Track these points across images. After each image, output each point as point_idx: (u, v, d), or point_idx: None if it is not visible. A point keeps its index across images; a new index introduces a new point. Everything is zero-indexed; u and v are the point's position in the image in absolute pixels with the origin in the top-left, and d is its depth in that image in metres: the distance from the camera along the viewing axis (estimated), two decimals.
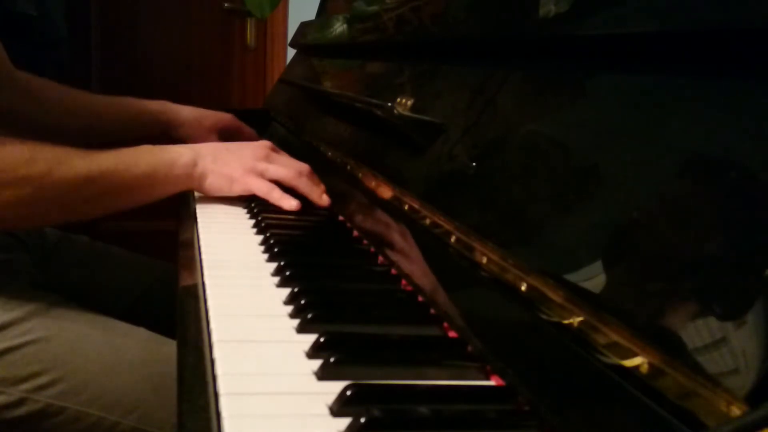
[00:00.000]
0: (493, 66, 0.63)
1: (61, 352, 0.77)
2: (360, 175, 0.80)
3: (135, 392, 0.77)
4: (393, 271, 0.66)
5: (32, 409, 0.74)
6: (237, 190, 0.88)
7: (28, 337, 0.76)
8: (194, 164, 0.85)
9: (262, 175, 0.87)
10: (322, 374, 0.44)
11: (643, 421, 0.33)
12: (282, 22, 2.59)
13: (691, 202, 0.36)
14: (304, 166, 0.91)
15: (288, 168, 0.89)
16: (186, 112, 1.25)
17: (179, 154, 0.85)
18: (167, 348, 0.81)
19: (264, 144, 0.92)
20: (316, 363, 0.45)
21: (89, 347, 0.79)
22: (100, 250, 1.12)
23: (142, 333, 0.84)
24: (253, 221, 0.83)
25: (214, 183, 0.87)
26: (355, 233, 0.79)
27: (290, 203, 0.85)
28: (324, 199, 0.89)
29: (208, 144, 0.93)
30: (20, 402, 0.74)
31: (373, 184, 0.75)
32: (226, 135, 1.27)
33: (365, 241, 0.75)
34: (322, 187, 0.91)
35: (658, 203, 0.38)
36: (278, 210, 0.86)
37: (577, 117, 0.49)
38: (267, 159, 0.89)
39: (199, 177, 0.86)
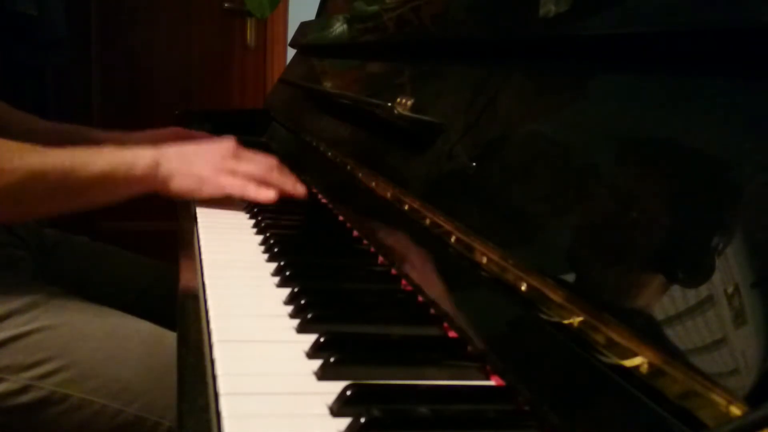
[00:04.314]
0: (493, 66, 0.63)
1: (66, 340, 0.77)
2: (360, 175, 0.80)
3: (138, 381, 0.77)
4: (393, 271, 0.66)
5: (36, 397, 0.74)
6: (208, 191, 0.84)
7: (33, 325, 0.77)
8: (156, 165, 0.82)
9: (233, 173, 0.85)
10: (322, 374, 0.44)
11: (643, 421, 0.33)
12: (282, 22, 2.59)
13: (691, 203, 0.36)
14: (272, 160, 0.90)
15: (258, 164, 0.87)
16: (136, 137, 1.19)
17: (140, 156, 0.83)
18: (170, 340, 0.81)
19: (229, 142, 0.89)
20: (316, 363, 0.45)
21: (94, 336, 0.79)
22: (100, 250, 1.12)
23: (145, 325, 0.85)
24: (253, 221, 0.83)
25: (183, 184, 0.83)
26: (355, 233, 0.79)
27: (267, 195, 0.83)
28: (298, 189, 0.87)
29: (173, 146, 0.89)
30: (25, 389, 0.74)
31: (373, 184, 0.75)
32: None
33: (365, 241, 0.75)
34: (293, 177, 0.89)
35: (658, 203, 0.38)
36: (278, 210, 0.86)
37: (577, 117, 0.49)
38: (235, 156, 0.87)
39: (163, 179, 0.83)
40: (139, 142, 1.16)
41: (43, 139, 1.07)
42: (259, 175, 0.85)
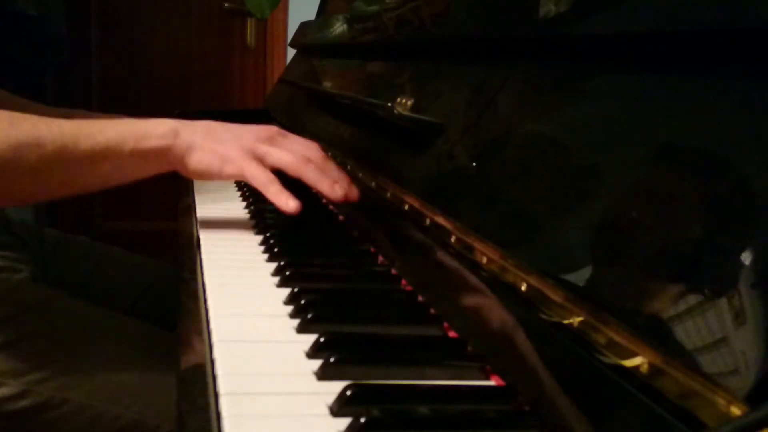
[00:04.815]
0: (493, 66, 0.63)
1: (64, 344, 0.77)
2: (360, 175, 0.80)
3: (137, 384, 0.77)
4: (393, 271, 0.66)
5: (35, 401, 0.74)
6: (229, 171, 0.71)
7: (31, 329, 0.77)
8: (175, 134, 0.70)
9: (262, 159, 0.72)
10: (322, 374, 0.44)
11: (643, 421, 0.33)
12: (282, 22, 2.59)
13: (690, 202, 0.36)
14: (314, 151, 0.75)
15: (293, 154, 0.73)
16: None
17: (156, 124, 0.70)
18: (169, 342, 0.81)
19: (269, 127, 0.77)
20: (316, 363, 0.45)
21: (93, 340, 0.79)
22: (100, 250, 1.12)
23: (145, 327, 0.84)
24: (253, 221, 0.83)
25: (203, 160, 0.71)
26: (355, 233, 0.79)
27: (287, 204, 0.70)
28: (336, 191, 0.72)
29: (201, 121, 0.77)
30: (23, 394, 0.74)
31: (373, 184, 0.75)
32: None
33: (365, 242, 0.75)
34: (336, 174, 0.74)
35: (657, 203, 0.38)
36: (278, 210, 0.85)
37: (577, 117, 0.49)
38: (270, 141, 0.74)
39: (182, 151, 0.70)
40: None
41: None
42: (290, 168, 0.72)
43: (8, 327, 0.76)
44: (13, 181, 0.65)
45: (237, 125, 0.76)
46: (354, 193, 0.73)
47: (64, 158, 0.66)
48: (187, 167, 0.71)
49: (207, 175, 0.72)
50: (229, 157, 0.71)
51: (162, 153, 0.70)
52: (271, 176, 0.71)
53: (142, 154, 0.69)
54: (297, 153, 0.73)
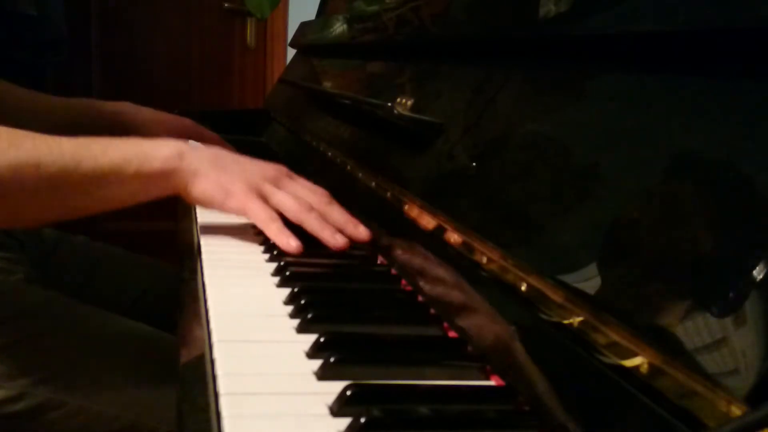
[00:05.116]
0: (493, 66, 0.63)
1: (61, 346, 0.77)
2: (360, 175, 0.80)
3: (135, 386, 0.77)
4: (393, 271, 0.66)
5: (32, 404, 0.74)
6: (231, 206, 0.70)
7: (28, 332, 0.76)
8: (180, 156, 0.69)
9: (266, 199, 0.71)
10: (322, 374, 0.44)
11: (643, 421, 0.33)
12: (282, 22, 2.60)
13: (690, 202, 0.36)
14: (319, 196, 0.73)
15: (296, 199, 0.71)
16: (146, 112, 1.14)
17: (161, 146, 0.69)
18: (167, 343, 0.81)
19: (278, 166, 0.76)
20: (316, 363, 0.45)
21: (89, 342, 0.79)
22: (99, 250, 1.12)
23: (142, 328, 0.84)
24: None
25: (206, 189, 0.70)
26: None
27: (288, 243, 0.67)
28: (337, 241, 0.69)
29: (213, 146, 0.77)
30: (20, 396, 0.74)
31: (373, 184, 0.75)
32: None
33: None
34: (340, 220, 0.72)
35: (657, 203, 0.38)
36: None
37: (577, 117, 0.49)
38: (276, 182, 0.72)
39: (187, 175, 0.69)
40: (140, 117, 1.10)
41: (53, 115, 1.02)
42: (292, 213, 0.70)
43: (6, 329, 0.76)
44: (12, 203, 0.64)
45: (245, 158, 0.75)
46: (363, 234, 0.72)
47: (65, 180, 0.64)
48: (190, 193, 0.70)
49: (209, 205, 0.72)
50: (234, 191, 0.70)
51: (166, 176, 0.69)
52: (273, 215, 0.70)
53: (145, 177, 0.68)
54: (300, 199, 0.72)
